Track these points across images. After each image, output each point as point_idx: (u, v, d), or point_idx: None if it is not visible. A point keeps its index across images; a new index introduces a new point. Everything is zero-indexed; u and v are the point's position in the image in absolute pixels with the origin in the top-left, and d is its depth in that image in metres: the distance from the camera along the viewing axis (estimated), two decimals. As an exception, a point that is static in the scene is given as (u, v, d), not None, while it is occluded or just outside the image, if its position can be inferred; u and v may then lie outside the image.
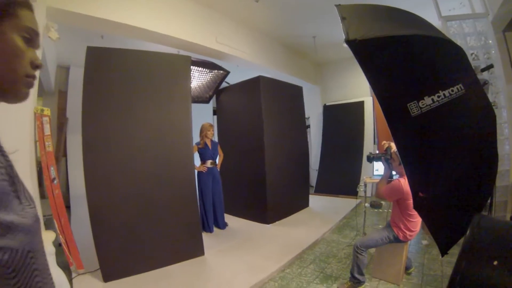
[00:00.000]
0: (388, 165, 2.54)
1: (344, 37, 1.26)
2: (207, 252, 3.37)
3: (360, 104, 6.77)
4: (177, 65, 3.35)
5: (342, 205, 5.50)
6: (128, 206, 2.87)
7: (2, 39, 0.52)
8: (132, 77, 3.02)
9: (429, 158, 1.27)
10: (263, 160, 4.41)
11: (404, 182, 2.28)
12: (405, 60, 1.25)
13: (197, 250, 3.32)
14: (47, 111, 3.02)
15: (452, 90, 1.26)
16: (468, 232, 0.83)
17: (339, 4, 1.75)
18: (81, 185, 2.94)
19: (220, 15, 4.33)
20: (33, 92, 2.38)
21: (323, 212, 5.20)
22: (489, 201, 2.34)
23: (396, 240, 2.46)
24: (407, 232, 2.41)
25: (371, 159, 2.74)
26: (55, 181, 3.03)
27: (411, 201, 1.69)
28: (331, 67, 7.53)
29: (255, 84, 4.54)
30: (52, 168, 3.03)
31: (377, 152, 2.76)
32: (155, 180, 3.05)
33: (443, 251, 1.39)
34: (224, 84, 5.20)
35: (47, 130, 2.99)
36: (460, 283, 0.79)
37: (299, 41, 5.79)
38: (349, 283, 2.56)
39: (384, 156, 2.56)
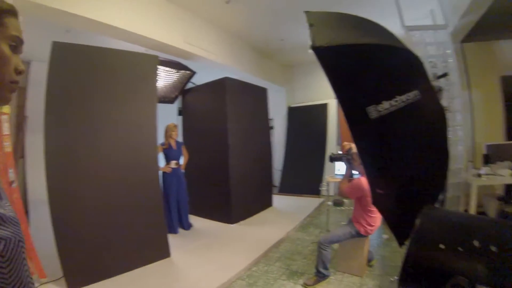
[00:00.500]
0: (349, 165, 2.69)
1: (310, 43, 1.33)
2: (173, 253, 3.35)
3: (324, 106, 6.99)
4: (145, 64, 3.29)
5: (305, 204, 5.65)
6: (92, 209, 2.78)
7: None
8: (98, 75, 2.92)
9: (386, 157, 1.38)
10: (228, 161, 4.45)
11: (365, 181, 2.42)
12: (366, 67, 1.35)
13: (163, 252, 3.29)
14: (6, 109, 2.87)
15: (409, 96, 1.38)
16: (417, 220, 0.94)
17: (308, 11, 1.84)
18: (40, 189, 2.81)
19: (190, 14, 4.27)
20: None
21: (287, 211, 5.31)
22: (442, 196, 2.56)
23: (358, 235, 2.60)
24: (368, 227, 2.56)
25: (333, 159, 2.89)
26: (13, 184, 2.86)
27: (371, 198, 1.82)
28: (297, 70, 7.65)
29: (221, 85, 4.58)
30: (10, 171, 2.86)
31: (340, 152, 2.91)
32: (120, 182, 2.98)
33: (401, 242, 1.51)
34: (190, 84, 5.16)
35: (6, 129, 2.84)
36: (412, 265, 0.89)
37: (267, 43, 5.85)
38: (314, 278, 2.67)
39: (345, 156, 2.70)
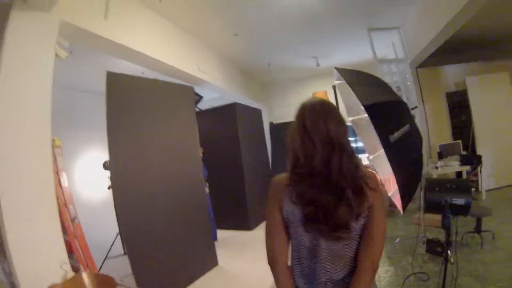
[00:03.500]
0: None
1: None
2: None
3: None
4: (182, 93, 4.11)
5: None
6: (155, 228, 3.34)
7: None
8: (146, 102, 3.55)
9: (399, 160, 2.72)
10: (243, 176, 5.58)
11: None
12: (387, 112, 2.67)
13: (213, 261, 4.11)
14: (58, 142, 3.00)
15: (405, 128, 2.71)
16: (424, 182, 2.26)
17: (337, 68, 3.12)
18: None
19: (203, 44, 5.29)
20: (47, 118, 2.45)
21: None
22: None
23: None
24: None
25: None
26: (76, 220, 3.01)
27: None
28: (277, 88, 8.87)
29: (231, 109, 5.75)
30: (71, 207, 3.01)
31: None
32: (175, 202, 3.64)
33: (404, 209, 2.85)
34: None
35: (61, 163, 3.00)
36: (427, 199, 2.23)
37: (254, 66, 7.12)
38: None
39: None
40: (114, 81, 3.25)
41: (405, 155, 2.93)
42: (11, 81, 2.18)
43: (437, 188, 2.24)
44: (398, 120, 2.91)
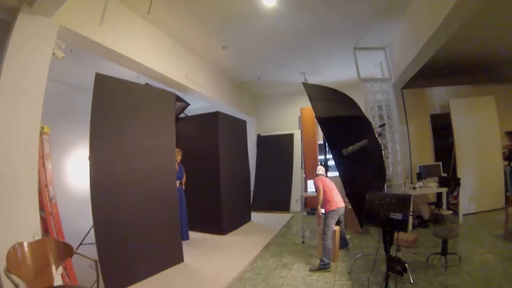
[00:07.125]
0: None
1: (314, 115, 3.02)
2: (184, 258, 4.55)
3: (290, 136, 9.16)
4: (164, 99, 4.55)
5: (278, 218, 7.49)
6: (125, 221, 3.75)
7: None
8: (130, 104, 4.00)
9: (351, 173, 3.10)
10: (219, 183, 6.02)
11: (321, 179, 4.00)
12: (342, 127, 3.07)
13: (178, 257, 4.47)
14: (46, 129, 3.53)
15: (362, 142, 3.11)
16: (367, 195, 2.61)
17: (304, 83, 3.55)
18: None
19: (192, 54, 5.83)
20: (39, 108, 3.00)
21: (265, 224, 7.04)
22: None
23: (332, 213, 3.92)
24: (331, 203, 3.91)
25: None
26: (53, 200, 3.56)
27: (327, 189, 3.66)
28: (266, 101, 9.73)
29: (214, 117, 6.19)
30: (51, 188, 3.57)
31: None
32: (147, 199, 4.05)
33: (361, 225, 3.21)
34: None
35: (47, 148, 3.55)
36: (366, 212, 2.57)
37: (245, 79, 7.73)
38: (317, 266, 4.08)
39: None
40: (102, 82, 3.70)
41: (359, 165, 3.32)
42: (12, 73, 2.79)
43: (376, 202, 2.55)
44: (355, 135, 3.31)
